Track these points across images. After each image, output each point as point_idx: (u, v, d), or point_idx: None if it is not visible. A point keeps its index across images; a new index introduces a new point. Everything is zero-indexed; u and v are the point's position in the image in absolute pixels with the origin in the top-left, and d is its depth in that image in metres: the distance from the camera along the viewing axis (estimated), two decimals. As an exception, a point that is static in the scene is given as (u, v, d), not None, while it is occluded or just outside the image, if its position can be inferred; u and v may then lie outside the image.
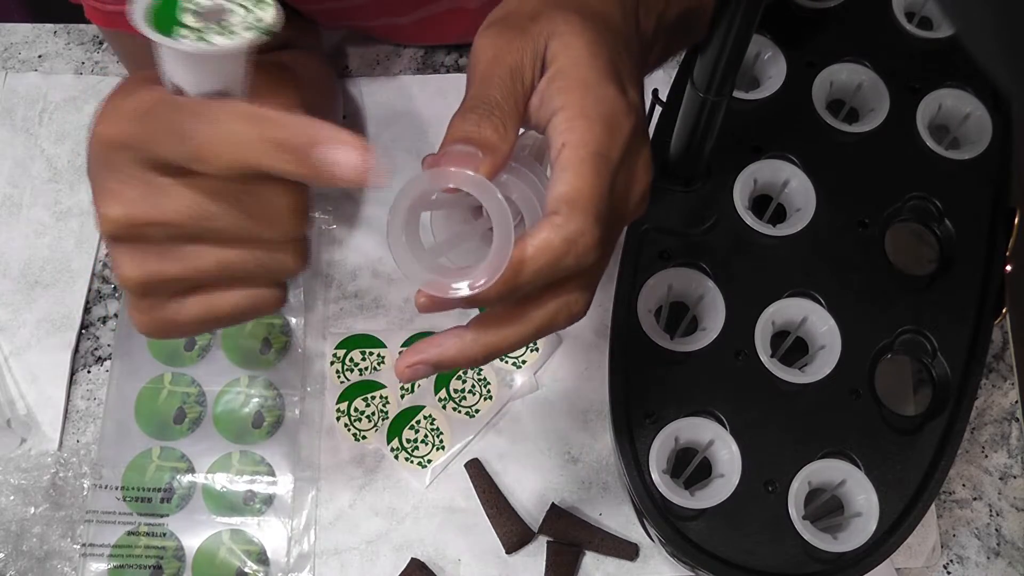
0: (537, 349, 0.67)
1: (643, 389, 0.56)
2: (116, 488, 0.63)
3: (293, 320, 0.67)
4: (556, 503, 0.63)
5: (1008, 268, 0.57)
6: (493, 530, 0.63)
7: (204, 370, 0.66)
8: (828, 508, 0.55)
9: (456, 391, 0.66)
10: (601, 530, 0.63)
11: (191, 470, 0.64)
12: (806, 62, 0.62)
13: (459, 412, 0.66)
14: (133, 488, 0.63)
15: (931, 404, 0.56)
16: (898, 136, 0.60)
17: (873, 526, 0.52)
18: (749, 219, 0.58)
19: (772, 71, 0.62)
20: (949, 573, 0.63)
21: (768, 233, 0.58)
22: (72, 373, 0.66)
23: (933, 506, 0.64)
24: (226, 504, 0.64)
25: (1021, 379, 0.68)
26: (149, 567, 0.62)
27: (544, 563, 0.62)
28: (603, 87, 0.38)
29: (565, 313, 0.41)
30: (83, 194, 0.71)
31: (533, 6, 0.40)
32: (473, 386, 0.66)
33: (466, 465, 0.64)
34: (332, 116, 0.68)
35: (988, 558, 0.64)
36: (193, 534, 0.63)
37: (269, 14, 0.35)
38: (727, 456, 0.54)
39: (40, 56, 0.75)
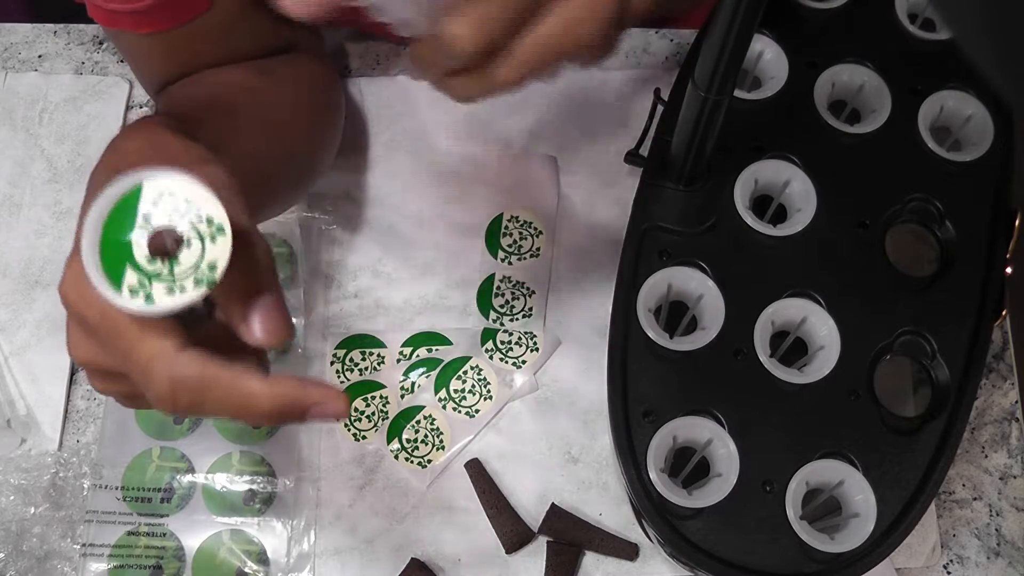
0: (537, 349, 0.67)
1: (642, 388, 0.56)
2: (116, 488, 0.63)
3: (293, 320, 0.67)
4: (556, 503, 0.63)
5: (1009, 270, 0.57)
6: (493, 530, 0.63)
7: None
8: (826, 508, 0.55)
9: (456, 391, 0.66)
10: (601, 530, 0.63)
11: (191, 470, 0.64)
12: (808, 62, 0.62)
13: (459, 412, 0.66)
14: (133, 488, 0.64)
15: (930, 406, 0.56)
16: (900, 137, 0.60)
17: (871, 527, 0.52)
18: (749, 219, 0.58)
19: (774, 71, 0.62)
20: (949, 573, 0.63)
21: (768, 233, 0.58)
22: (72, 373, 0.66)
23: (933, 506, 0.64)
24: (226, 504, 0.64)
25: (1021, 379, 0.68)
26: (149, 567, 0.62)
27: (544, 563, 0.62)
28: None
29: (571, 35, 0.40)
30: (83, 194, 0.71)
31: None
32: (473, 386, 0.66)
33: (466, 465, 0.64)
34: (334, 117, 0.68)
35: (988, 558, 0.64)
36: (193, 534, 0.63)
37: (223, 253, 0.34)
38: (725, 455, 0.54)
39: (40, 56, 0.75)
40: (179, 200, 0.34)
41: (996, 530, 0.64)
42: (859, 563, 0.52)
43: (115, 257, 0.34)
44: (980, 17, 0.20)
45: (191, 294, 0.34)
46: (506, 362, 0.67)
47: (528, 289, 0.68)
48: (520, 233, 0.70)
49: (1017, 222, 0.58)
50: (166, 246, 0.34)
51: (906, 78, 0.61)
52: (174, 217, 0.34)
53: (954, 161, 0.60)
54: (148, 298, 0.34)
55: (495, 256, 0.69)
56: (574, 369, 0.67)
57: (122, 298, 0.33)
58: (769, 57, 0.62)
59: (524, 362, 0.67)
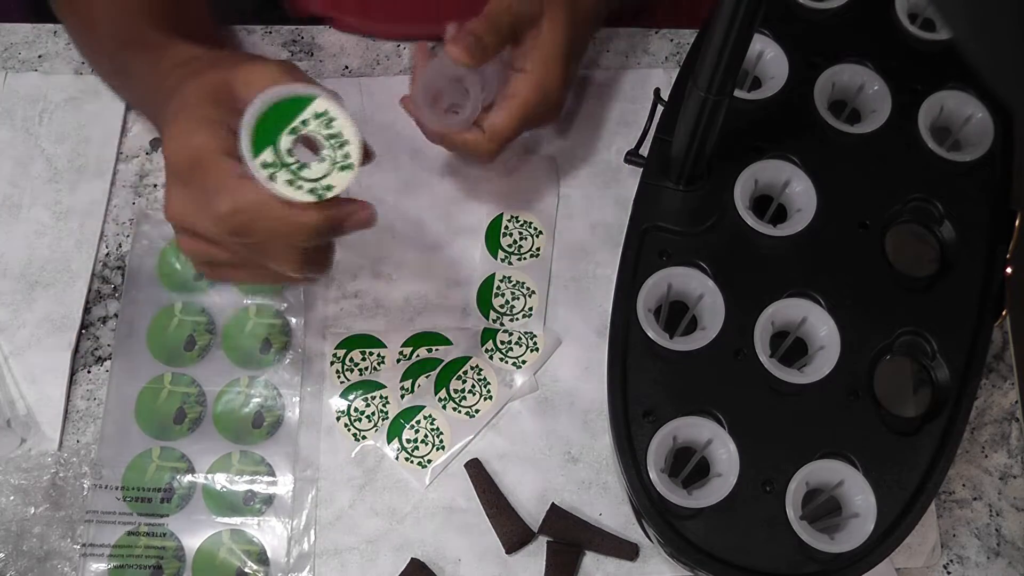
0: (537, 349, 0.67)
1: (642, 388, 0.56)
2: (116, 488, 0.63)
3: (293, 320, 0.67)
4: (556, 503, 0.63)
5: (1009, 270, 0.57)
6: (493, 530, 0.63)
7: (204, 370, 0.66)
8: (826, 508, 0.55)
9: (456, 391, 0.66)
10: (601, 530, 0.63)
11: (191, 470, 0.64)
12: (808, 63, 0.62)
13: (459, 412, 0.66)
14: (133, 488, 0.64)
15: (930, 406, 0.56)
16: (900, 138, 0.60)
17: (870, 527, 0.52)
18: (750, 219, 0.58)
19: (774, 71, 0.62)
20: (949, 573, 0.63)
21: (768, 233, 0.58)
22: (72, 373, 0.66)
23: (933, 506, 0.64)
24: (226, 504, 0.64)
25: (1021, 379, 0.68)
26: (149, 567, 0.62)
27: (544, 563, 0.62)
28: (556, 68, 0.63)
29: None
30: (83, 194, 0.71)
31: None
32: (473, 386, 0.66)
33: (466, 465, 0.64)
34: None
35: (988, 558, 0.64)
36: (193, 534, 0.63)
37: (342, 183, 0.42)
38: (725, 456, 0.54)
39: (40, 56, 0.75)
40: (332, 122, 0.42)
41: (996, 530, 0.64)
42: (859, 563, 0.52)
43: (264, 136, 0.42)
44: (978, 18, 0.21)
45: (304, 196, 0.42)
46: (506, 362, 0.67)
47: (528, 289, 0.68)
48: (520, 233, 0.70)
49: (1017, 222, 0.58)
50: (308, 147, 0.42)
51: (906, 78, 0.61)
52: (322, 134, 0.42)
53: (954, 161, 0.60)
54: (272, 177, 0.42)
55: (495, 256, 0.69)
56: (574, 369, 0.67)
57: (254, 164, 0.42)
58: (769, 57, 0.62)
59: (524, 362, 0.67)
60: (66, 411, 0.65)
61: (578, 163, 0.72)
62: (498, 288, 0.68)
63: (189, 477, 0.64)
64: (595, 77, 0.74)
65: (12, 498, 0.61)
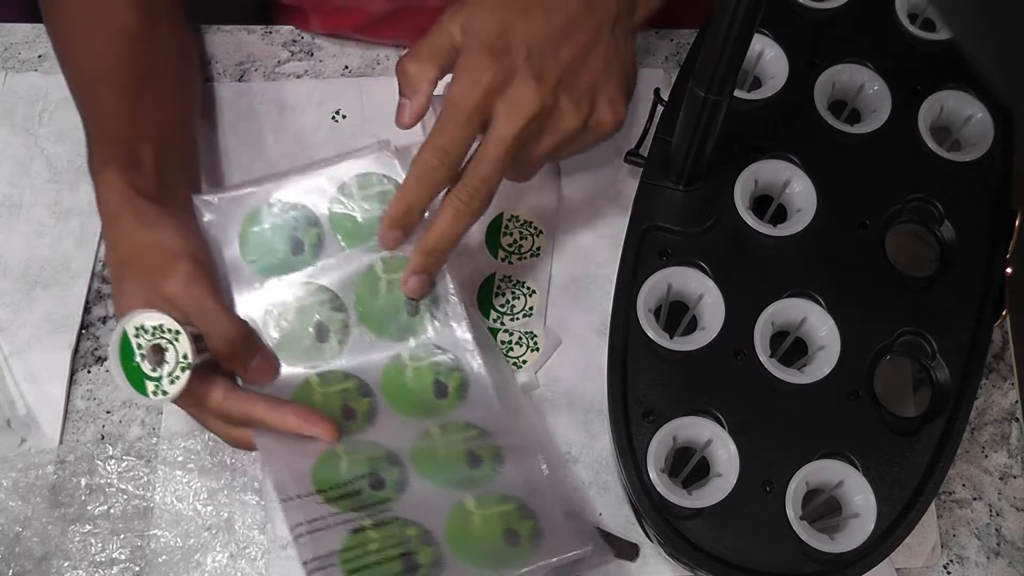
0: (538, 349, 0.67)
1: (642, 388, 0.56)
2: (310, 495, 0.54)
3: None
4: (556, 503, 0.63)
5: (1009, 270, 0.57)
6: (493, 530, 0.63)
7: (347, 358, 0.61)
8: (826, 508, 0.55)
9: (456, 391, 0.66)
10: (601, 530, 0.63)
11: (393, 458, 0.56)
12: (808, 62, 0.62)
13: (459, 412, 0.66)
14: (331, 488, 0.55)
15: (930, 406, 0.56)
16: (900, 138, 0.60)
17: (870, 527, 0.52)
18: (749, 219, 0.58)
19: (774, 71, 0.62)
20: (949, 573, 0.63)
21: (768, 233, 0.58)
22: (72, 373, 0.66)
23: (933, 506, 0.64)
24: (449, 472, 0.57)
25: (1021, 379, 0.68)
26: (397, 556, 0.53)
27: (544, 563, 0.62)
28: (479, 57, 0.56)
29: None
30: (83, 194, 0.71)
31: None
32: (473, 386, 0.66)
33: (466, 465, 0.64)
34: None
35: (988, 558, 0.64)
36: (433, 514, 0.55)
37: (186, 346, 0.52)
38: (725, 456, 0.54)
39: (40, 56, 0.75)
40: (151, 326, 0.53)
41: (996, 530, 0.64)
42: (859, 563, 0.52)
43: (135, 376, 0.53)
44: (978, 17, 0.21)
45: (183, 379, 0.53)
46: (507, 362, 0.67)
47: (528, 289, 0.68)
48: (520, 233, 0.70)
49: (1017, 222, 0.58)
50: (158, 353, 0.53)
51: (906, 78, 0.61)
52: (152, 338, 0.53)
53: (954, 161, 0.60)
54: (163, 392, 0.53)
55: (495, 256, 0.69)
56: (574, 369, 0.67)
57: (148, 398, 0.53)
58: (769, 57, 0.62)
59: (525, 362, 0.67)
60: (66, 411, 0.65)
61: (578, 163, 0.72)
62: (499, 287, 0.68)
63: (396, 468, 0.56)
64: (595, 77, 0.74)
65: (10, 498, 0.61)
